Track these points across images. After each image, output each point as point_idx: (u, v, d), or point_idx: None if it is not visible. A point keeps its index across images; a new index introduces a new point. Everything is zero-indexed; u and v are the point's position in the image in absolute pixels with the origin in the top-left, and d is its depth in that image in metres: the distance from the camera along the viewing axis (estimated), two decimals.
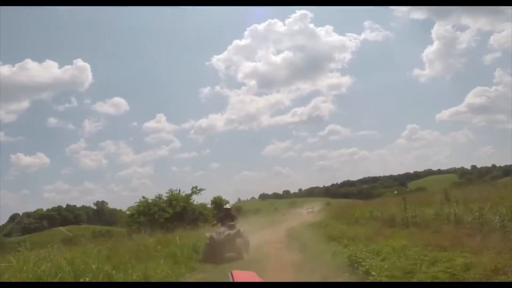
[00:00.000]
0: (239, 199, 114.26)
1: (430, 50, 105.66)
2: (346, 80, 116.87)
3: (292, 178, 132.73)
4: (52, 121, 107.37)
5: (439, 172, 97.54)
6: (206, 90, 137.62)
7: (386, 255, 6.80)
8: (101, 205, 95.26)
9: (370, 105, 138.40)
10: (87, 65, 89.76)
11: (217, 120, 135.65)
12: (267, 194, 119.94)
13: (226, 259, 10.38)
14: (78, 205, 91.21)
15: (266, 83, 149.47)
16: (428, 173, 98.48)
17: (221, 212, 13.13)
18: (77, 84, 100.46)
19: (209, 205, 28.99)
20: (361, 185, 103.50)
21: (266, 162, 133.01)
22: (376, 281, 5.30)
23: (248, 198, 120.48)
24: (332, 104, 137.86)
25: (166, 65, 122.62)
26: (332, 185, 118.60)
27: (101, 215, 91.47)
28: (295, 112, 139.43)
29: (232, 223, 11.58)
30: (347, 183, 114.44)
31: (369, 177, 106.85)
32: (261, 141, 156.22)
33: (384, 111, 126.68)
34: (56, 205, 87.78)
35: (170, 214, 22.69)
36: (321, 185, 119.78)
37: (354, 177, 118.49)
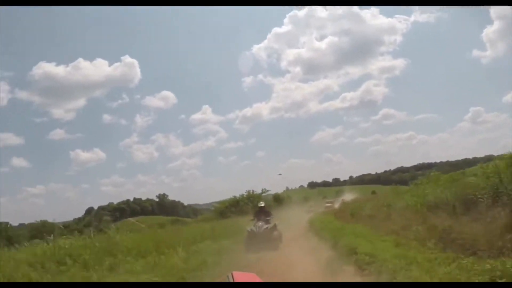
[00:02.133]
0: (287, 188, 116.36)
1: (490, 30, 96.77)
2: (399, 62, 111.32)
3: (343, 165, 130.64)
4: (106, 117, 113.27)
5: (501, 158, 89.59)
6: (248, 80, 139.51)
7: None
8: (162, 197, 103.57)
9: (427, 88, 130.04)
10: (135, 61, 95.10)
11: (262, 109, 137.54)
12: (316, 182, 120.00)
13: (264, 248, 11.70)
14: (143, 198, 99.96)
15: (312, 69, 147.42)
16: (488, 159, 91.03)
17: (257, 209, 14.65)
18: (127, 81, 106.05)
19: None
20: (415, 172, 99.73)
21: (315, 149, 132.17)
22: None
23: (297, 187, 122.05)
24: (385, 88, 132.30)
25: (209, 57, 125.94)
26: (385, 171, 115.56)
27: (162, 206, 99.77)
28: (345, 97, 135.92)
29: (268, 218, 13.24)
30: (401, 170, 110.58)
31: (424, 163, 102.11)
32: (309, 128, 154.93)
33: (443, 94, 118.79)
34: (124, 199, 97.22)
35: (251, 206, 34.42)
36: (373, 172, 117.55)
37: (409, 163, 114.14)
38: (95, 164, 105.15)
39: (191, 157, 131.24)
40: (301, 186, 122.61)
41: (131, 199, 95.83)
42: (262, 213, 13.56)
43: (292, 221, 18.33)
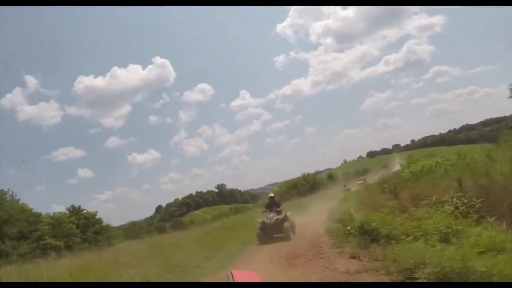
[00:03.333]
0: (344, 161, 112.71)
1: None
2: (437, 19, 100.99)
3: (402, 129, 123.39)
4: (152, 118, 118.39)
5: None
6: (280, 59, 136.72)
7: None
8: (221, 187, 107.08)
9: (478, 40, 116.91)
10: (166, 61, 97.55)
11: (302, 85, 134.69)
12: (375, 151, 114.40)
13: (276, 239, 11.97)
14: (204, 190, 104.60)
15: (345, 38, 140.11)
16: None
17: (267, 200, 14.30)
18: (163, 80, 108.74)
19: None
20: (482, 128, 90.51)
21: (367, 116, 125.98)
22: None
23: (355, 158, 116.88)
24: (429, 46, 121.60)
25: (236, 44, 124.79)
26: (449, 131, 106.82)
27: (222, 196, 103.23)
28: (388, 61, 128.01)
29: (279, 209, 13.09)
30: (466, 128, 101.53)
31: (492, 118, 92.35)
32: (357, 96, 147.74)
33: (496, 44, 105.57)
34: (188, 193, 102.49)
35: (306, 188, 40.47)
36: (436, 133, 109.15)
37: (475, 120, 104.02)
38: (151, 164, 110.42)
39: (239, 144, 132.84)
40: (360, 157, 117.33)
41: (194, 193, 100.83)
42: (273, 204, 13.45)
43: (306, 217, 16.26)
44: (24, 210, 23.53)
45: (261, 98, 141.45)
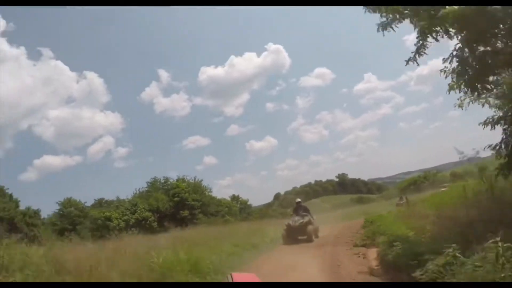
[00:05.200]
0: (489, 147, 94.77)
1: None
2: None
3: None
4: (269, 105, 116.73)
5: None
6: (411, 37, 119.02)
7: None
8: (342, 176, 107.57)
9: None
10: (279, 47, 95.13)
11: (440, 65, 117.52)
12: None
13: (300, 241, 12.89)
14: (323, 179, 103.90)
15: None
16: None
17: (295, 205, 15.35)
18: (279, 67, 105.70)
19: None
20: None
21: None
22: None
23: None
24: None
25: (356, 23, 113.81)
26: None
27: (343, 185, 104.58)
28: None
29: (305, 213, 13.86)
30: None
31: None
32: None
33: None
34: (305, 181, 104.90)
35: (426, 184, 38.45)
36: None
37: None
38: (269, 151, 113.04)
39: (364, 129, 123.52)
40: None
41: (312, 182, 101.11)
42: (300, 209, 14.37)
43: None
44: (212, 197, 35.23)
45: (390, 80, 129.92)
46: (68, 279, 6.12)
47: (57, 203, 28.88)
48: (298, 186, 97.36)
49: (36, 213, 25.60)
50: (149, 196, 28.97)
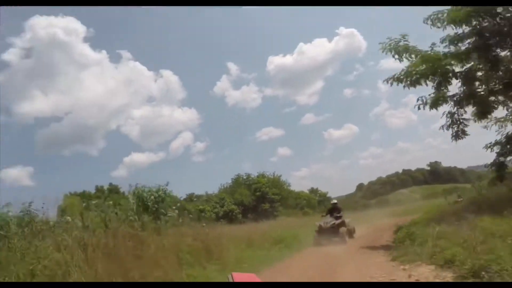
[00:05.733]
0: None
1: None
2: None
3: None
4: (347, 91, 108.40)
5: None
6: None
7: None
8: (434, 165, 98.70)
9: None
10: (353, 30, 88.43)
11: None
12: None
13: (332, 243, 12.08)
14: (412, 168, 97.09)
15: None
16: None
17: (330, 205, 15.09)
18: (354, 51, 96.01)
19: None
20: None
21: None
22: None
23: None
24: None
25: None
26: None
27: (435, 175, 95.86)
28: None
29: (339, 214, 13.44)
30: None
31: None
32: None
33: None
34: (391, 170, 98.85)
35: None
36: None
37: None
38: (349, 139, 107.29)
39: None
40: None
41: (400, 171, 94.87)
42: (335, 210, 14.12)
43: None
44: (290, 191, 37.13)
45: None
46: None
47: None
48: (384, 176, 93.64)
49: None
50: (233, 191, 32.07)
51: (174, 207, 11.03)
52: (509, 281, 4.41)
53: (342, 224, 13.39)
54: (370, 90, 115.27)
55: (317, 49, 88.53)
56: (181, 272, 6.95)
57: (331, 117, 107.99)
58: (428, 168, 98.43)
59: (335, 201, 15.55)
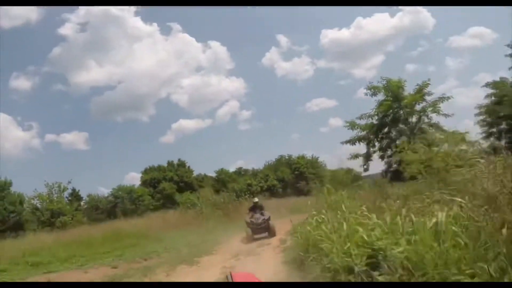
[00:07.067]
0: None
1: None
2: None
3: None
4: (409, 67, 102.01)
5: None
6: None
7: None
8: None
9: None
10: (418, 8, 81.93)
11: None
12: None
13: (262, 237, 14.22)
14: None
15: None
16: None
17: (251, 204, 16.11)
18: (420, 27, 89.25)
19: None
20: None
21: None
22: None
23: None
24: None
25: None
26: None
27: None
28: None
29: (262, 211, 14.94)
30: None
31: None
32: None
33: None
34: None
35: None
36: None
37: None
38: None
39: None
40: None
41: None
42: (257, 208, 15.35)
43: None
44: (326, 170, 41.59)
45: None
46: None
47: (215, 171, 40.73)
48: None
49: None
50: (276, 168, 37.50)
51: None
52: None
53: (269, 219, 14.79)
54: (436, 66, 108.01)
55: (378, 24, 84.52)
56: None
57: None
58: None
59: (256, 199, 16.54)
